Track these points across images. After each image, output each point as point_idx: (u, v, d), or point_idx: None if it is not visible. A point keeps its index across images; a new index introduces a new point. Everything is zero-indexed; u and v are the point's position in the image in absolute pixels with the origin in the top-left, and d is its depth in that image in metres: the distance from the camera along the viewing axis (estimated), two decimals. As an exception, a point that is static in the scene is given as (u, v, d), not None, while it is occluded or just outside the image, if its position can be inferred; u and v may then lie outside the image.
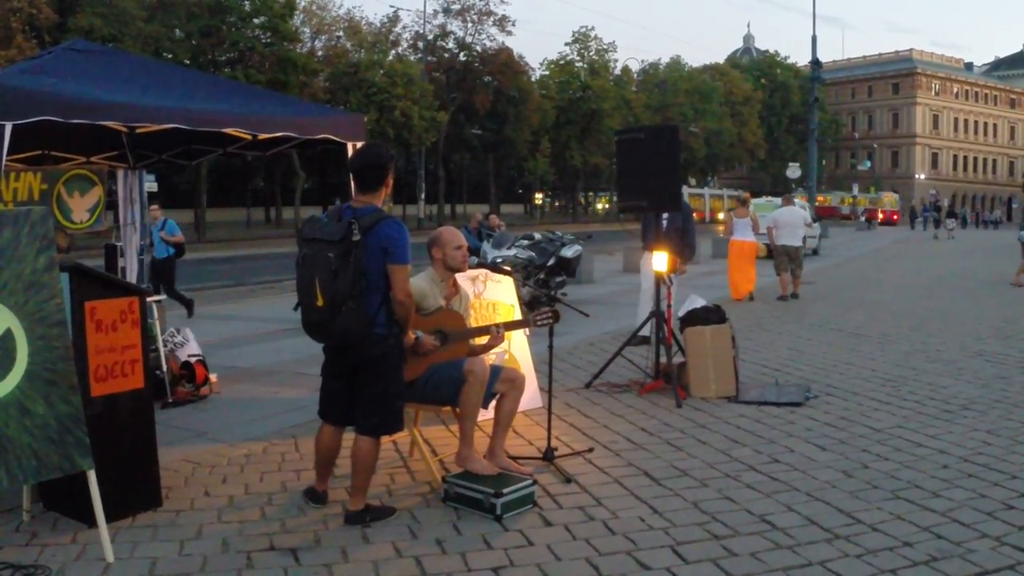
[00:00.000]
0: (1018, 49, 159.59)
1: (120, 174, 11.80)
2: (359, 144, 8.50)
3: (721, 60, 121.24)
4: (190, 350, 10.70)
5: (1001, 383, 11.35)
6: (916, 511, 6.72)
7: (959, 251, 42.59)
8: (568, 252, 19.80)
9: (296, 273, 6.17)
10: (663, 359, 10.93)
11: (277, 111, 9.29)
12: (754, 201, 30.27)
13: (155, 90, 8.53)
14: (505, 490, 6.54)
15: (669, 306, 11.10)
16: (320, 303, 5.95)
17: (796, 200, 25.12)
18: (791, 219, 22.08)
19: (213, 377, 10.76)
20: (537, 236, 20.89)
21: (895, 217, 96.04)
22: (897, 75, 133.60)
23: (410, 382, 6.81)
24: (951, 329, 16.26)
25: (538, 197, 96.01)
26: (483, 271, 9.34)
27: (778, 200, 28.21)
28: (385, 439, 6.92)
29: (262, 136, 9.38)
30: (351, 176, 6.50)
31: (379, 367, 6.28)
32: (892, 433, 8.95)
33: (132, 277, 11.61)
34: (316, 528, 6.35)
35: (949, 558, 5.81)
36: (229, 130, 8.82)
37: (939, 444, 8.54)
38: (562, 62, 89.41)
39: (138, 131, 9.76)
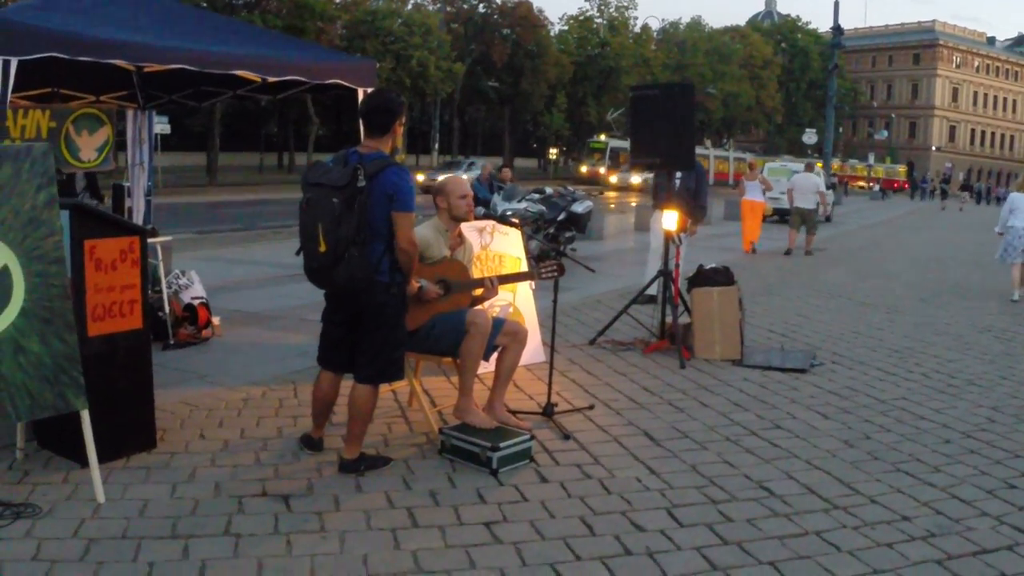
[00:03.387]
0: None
1: (130, 114, 11.69)
2: (370, 90, 8.40)
3: (742, 23, 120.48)
4: (194, 292, 10.63)
5: (1008, 360, 11.27)
6: (916, 485, 6.66)
7: (973, 224, 42.34)
8: (579, 207, 19.70)
9: (299, 218, 6.08)
10: (669, 319, 10.86)
11: (287, 54, 9.19)
12: (769, 166, 32.60)
13: (164, 29, 8.44)
14: (502, 444, 6.49)
15: (677, 266, 10.99)
16: (322, 249, 5.85)
17: (816, 169, 27.34)
18: (806, 184, 24.57)
19: (216, 320, 10.71)
20: (548, 190, 20.82)
21: (906, 186, 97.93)
22: (919, 46, 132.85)
23: (412, 331, 6.75)
24: (961, 303, 16.17)
25: (552, 152, 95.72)
26: (491, 222, 9.25)
27: (793, 165, 31.97)
28: (384, 388, 6.85)
29: (271, 79, 9.26)
30: (360, 121, 6.40)
31: (381, 315, 6.19)
32: (896, 405, 8.88)
33: (139, 218, 11.53)
34: (310, 475, 6.31)
35: (947, 535, 5.75)
36: (238, 72, 8.73)
37: (943, 418, 8.48)
38: (581, 18, 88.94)
39: (145, 70, 9.66)
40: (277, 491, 5.99)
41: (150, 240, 10.28)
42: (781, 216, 30.67)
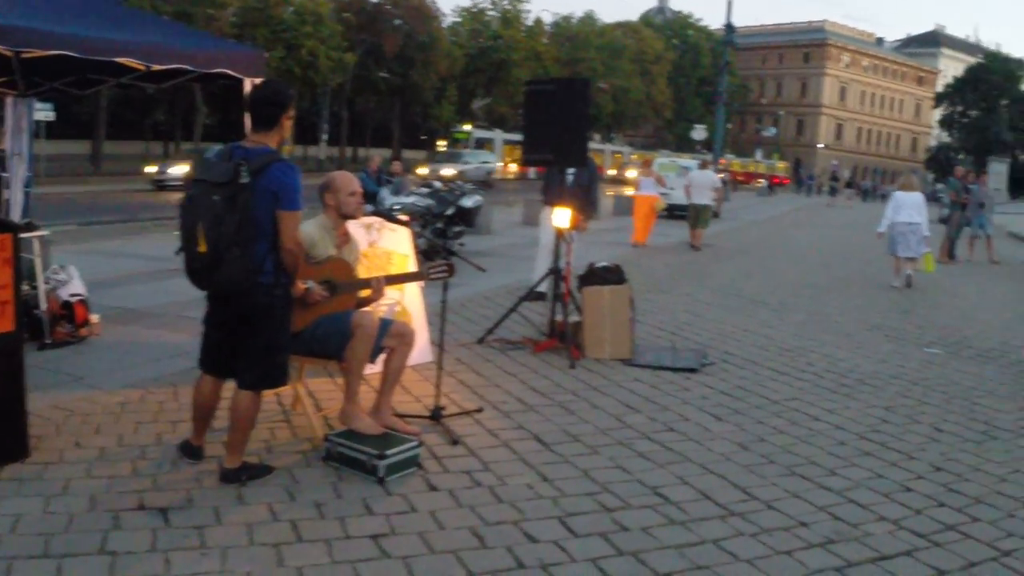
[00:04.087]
0: (930, 28, 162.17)
1: (8, 101, 11.23)
2: (258, 81, 8.11)
3: (634, 18, 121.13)
4: (72, 289, 10.23)
5: (898, 359, 11.35)
6: (813, 489, 6.62)
7: (858, 222, 42.88)
8: (468, 202, 19.59)
9: (179, 216, 5.79)
10: (559, 317, 10.71)
11: (173, 42, 8.85)
12: (659, 161, 33.28)
13: (44, 13, 8.07)
14: (389, 452, 6.28)
15: (568, 263, 10.85)
16: (203, 249, 5.58)
17: (711, 167, 29.02)
18: (703, 181, 25.45)
19: (94, 318, 10.32)
20: (437, 185, 20.66)
21: (786, 181, 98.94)
22: (809, 44, 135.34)
23: (296, 333, 6.50)
24: (849, 301, 16.30)
25: (441, 144, 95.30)
26: (378, 219, 9.00)
27: (681, 161, 34.92)
28: (267, 392, 6.57)
29: (156, 67, 8.91)
30: (246, 113, 6.12)
31: (264, 318, 5.94)
32: (788, 406, 8.86)
33: (16, 211, 11.09)
34: (189, 486, 6.03)
35: (846, 541, 5.71)
36: (122, 59, 8.37)
37: (836, 419, 8.48)
38: (474, 10, 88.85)
39: (24, 55, 9.24)
40: (155, 504, 5.71)
41: (27, 235, 9.91)
42: (671, 212, 30.95)
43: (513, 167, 73.48)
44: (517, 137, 77.25)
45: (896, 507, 6.36)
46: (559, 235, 10.93)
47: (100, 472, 6.23)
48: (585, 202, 12.99)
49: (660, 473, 6.77)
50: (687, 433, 7.79)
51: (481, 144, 72.71)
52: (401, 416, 7.42)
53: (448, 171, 55.07)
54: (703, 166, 27.54)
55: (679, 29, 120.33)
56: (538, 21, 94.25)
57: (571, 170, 12.48)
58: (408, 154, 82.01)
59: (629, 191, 35.42)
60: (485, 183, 49.16)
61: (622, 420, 8.06)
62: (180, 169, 41.00)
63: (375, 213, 9.37)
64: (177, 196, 7.09)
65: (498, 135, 76.93)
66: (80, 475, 6.17)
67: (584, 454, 7.11)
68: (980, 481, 7.05)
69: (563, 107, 10.56)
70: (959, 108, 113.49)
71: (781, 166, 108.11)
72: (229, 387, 6.26)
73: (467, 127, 76.30)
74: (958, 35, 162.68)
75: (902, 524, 6.03)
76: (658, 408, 8.50)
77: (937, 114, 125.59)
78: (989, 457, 7.65)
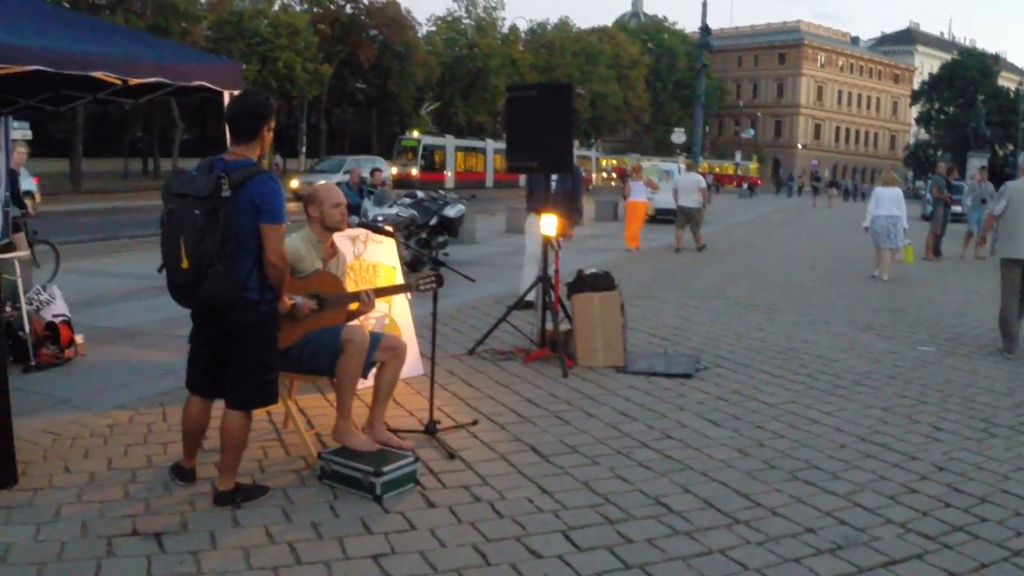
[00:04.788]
0: (904, 26, 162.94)
1: (-18, 120, 11.09)
2: (236, 93, 7.97)
3: (609, 23, 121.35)
4: (55, 309, 10.08)
5: (892, 358, 11.29)
6: (817, 494, 6.51)
7: (841, 221, 42.93)
8: (451, 212, 19.52)
9: (160, 231, 5.64)
10: (549, 326, 10.61)
11: (149, 55, 8.69)
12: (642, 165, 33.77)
13: (16, 26, 7.90)
14: (385, 468, 6.14)
15: (556, 271, 10.74)
16: (185, 265, 5.45)
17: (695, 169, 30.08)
18: (688, 183, 25.82)
19: (79, 338, 10.17)
20: (420, 194, 20.57)
21: (758, 182, 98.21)
22: (784, 46, 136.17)
23: (284, 350, 6.37)
24: (839, 301, 16.25)
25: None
26: (363, 231, 8.85)
27: (663, 165, 36.50)
28: (258, 410, 6.43)
29: (133, 81, 8.77)
30: (226, 125, 5.99)
31: (250, 335, 5.80)
32: (786, 409, 8.77)
33: (-6, 231, 10.96)
34: (183, 509, 5.88)
35: (855, 546, 5.60)
36: (97, 74, 8.21)
37: (835, 421, 8.39)
38: (449, 18, 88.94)
39: (-2, 73, 9.09)
40: (149, 529, 5.56)
41: (7, 255, 9.75)
42: (659, 216, 31.40)
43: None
44: (469, 143, 76.03)
45: (902, 510, 6.26)
46: (546, 242, 10.81)
47: (91, 497, 6.08)
48: (571, 208, 12.89)
49: (662, 482, 6.65)
50: (686, 440, 7.67)
51: (431, 152, 70.48)
52: (395, 431, 7.30)
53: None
54: (688, 168, 28.95)
55: (654, 33, 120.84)
56: (513, 28, 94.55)
57: (555, 176, 12.36)
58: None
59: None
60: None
61: (619, 429, 7.94)
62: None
63: (360, 225, 9.23)
64: None
65: (449, 141, 74.68)
66: (71, 500, 6.01)
67: (583, 465, 6.98)
68: (984, 480, 6.97)
69: (546, 113, 10.45)
70: (936, 105, 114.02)
71: (753, 167, 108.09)
72: (219, 407, 6.11)
73: (415, 134, 72.95)
74: (932, 32, 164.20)
75: (910, 527, 5.93)
76: (655, 415, 8.39)
77: (915, 111, 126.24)
78: (991, 455, 7.58)
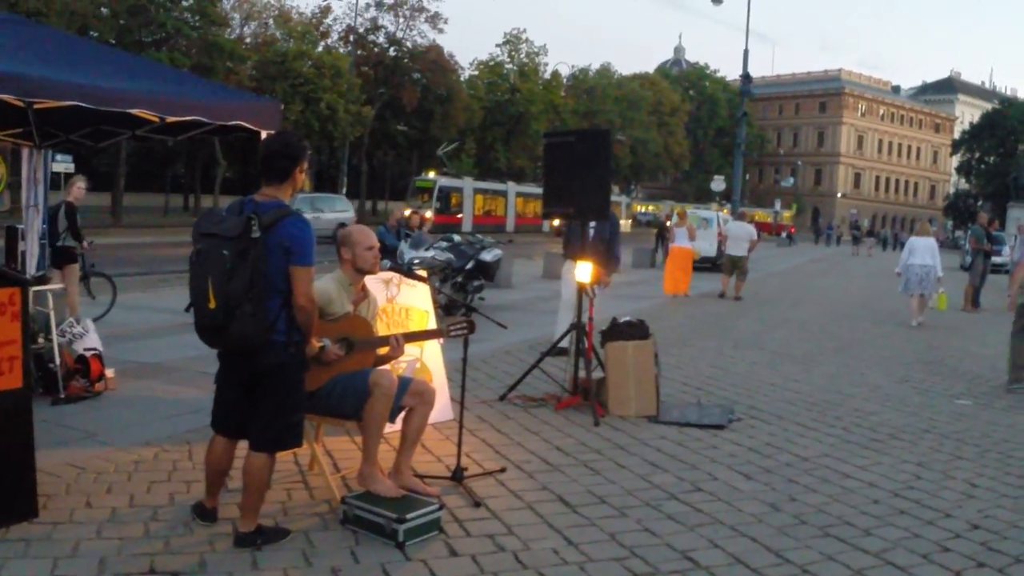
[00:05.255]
0: (945, 75, 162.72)
1: (24, 153, 11.16)
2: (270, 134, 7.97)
3: (651, 70, 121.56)
4: (88, 343, 10.10)
5: (928, 411, 11.13)
6: (848, 551, 6.38)
7: (879, 271, 42.69)
8: (487, 256, 19.49)
9: (189, 271, 5.61)
10: (582, 373, 10.51)
11: (187, 93, 8.74)
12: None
13: (56, 62, 7.96)
14: (409, 515, 6.05)
15: (591, 319, 10.66)
16: (212, 305, 5.41)
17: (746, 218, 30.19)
18: (739, 233, 26.05)
19: (110, 373, 10.16)
20: (456, 238, 20.60)
21: (792, 230, 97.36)
22: (825, 94, 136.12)
23: (311, 393, 6.31)
24: (876, 353, 16.08)
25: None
26: (397, 275, 8.80)
27: (701, 212, 37.34)
28: (283, 452, 6.37)
29: (171, 119, 8.78)
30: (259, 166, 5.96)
31: (277, 377, 5.75)
32: (819, 463, 8.63)
33: (32, 262, 11.02)
34: (202, 550, 5.83)
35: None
36: (135, 111, 8.24)
37: (868, 476, 8.24)
38: (492, 63, 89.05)
39: (36, 107, 9.12)
40: (167, 568, 5.50)
41: (40, 288, 9.78)
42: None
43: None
44: (489, 185, 73.79)
45: (935, 569, 6.13)
46: (581, 289, 10.75)
47: (110, 533, 6.04)
48: (607, 256, 12.82)
49: (689, 536, 6.54)
50: (716, 493, 7.56)
51: (447, 195, 66.95)
52: (421, 477, 7.21)
53: None
54: (740, 217, 29.44)
55: (695, 80, 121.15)
56: (555, 74, 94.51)
57: (592, 223, 12.30)
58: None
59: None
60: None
61: (649, 480, 7.83)
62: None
63: (393, 268, 9.19)
64: None
65: (468, 184, 71.40)
66: (90, 536, 5.97)
67: (611, 516, 6.88)
68: (1019, 538, 6.83)
69: (583, 159, 10.39)
70: (976, 154, 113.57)
71: (787, 215, 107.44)
72: (243, 446, 6.06)
73: (431, 175, 69.46)
74: (973, 81, 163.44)
75: (942, 587, 5.80)
76: (686, 467, 8.27)
77: (955, 161, 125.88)
78: (1027, 514, 7.44)
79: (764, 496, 7.54)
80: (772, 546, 6.41)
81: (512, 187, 76.45)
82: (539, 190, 79.54)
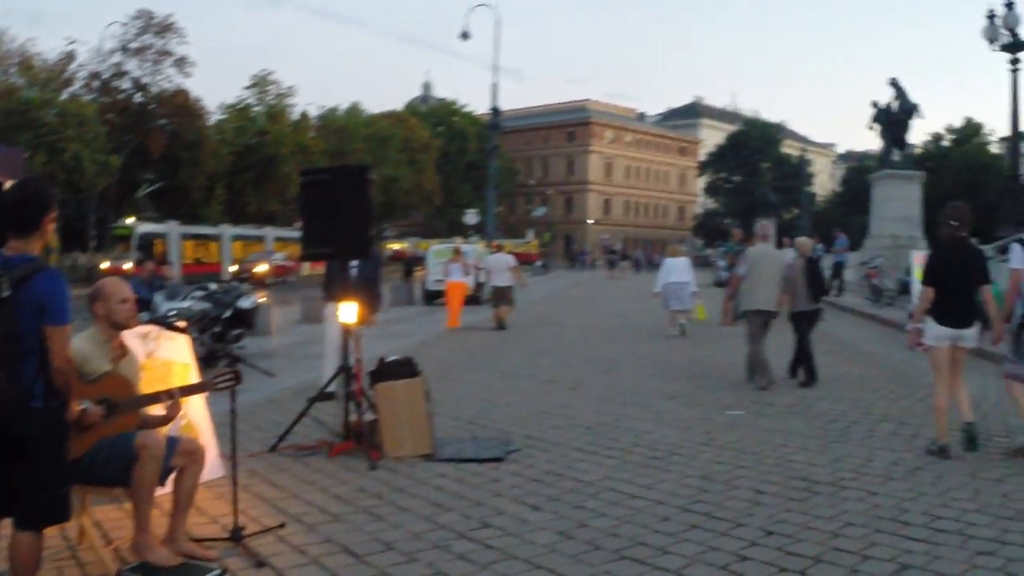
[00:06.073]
0: (689, 101, 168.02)
1: None
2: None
3: (400, 107, 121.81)
4: None
5: (703, 424, 11.40)
6: (647, 571, 6.39)
7: (635, 292, 43.54)
8: (245, 303, 19.20)
9: None
10: (353, 417, 10.27)
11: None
12: (435, 248, 35.79)
13: None
14: (188, 584, 5.72)
15: (359, 360, 10.42)
16: (-40, 373, 4.96)
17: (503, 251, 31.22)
18: (499, 263, 27.51)
19: None
20: (213, 286, 20.10)
21: (535, 257, 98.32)
22: (573, 124, 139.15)
23: (74, 461, 5.91)
24: (642, 371, 16.39)
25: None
26: (154, 328, 8.39)
27: (466, 247, 37.17)
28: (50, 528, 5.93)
29: None
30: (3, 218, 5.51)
31: (37, 448, 5.31)
32: (603, 485, 8.64)
33: None
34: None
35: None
36: None
37: (655, 494, 8.30)
38: (240, 106, 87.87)
39: None
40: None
41: None
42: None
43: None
44: (198, 230, 70.64)
45: (736, 581, 6.14)
46: (346, 331, 10.50)
47: None
48: (371, 295, 12.60)
49: (484, 575, 6.41)
50: (505, 527, 7.44)
51: (148, 241, 61.44)
52: (198, 541, 6.87)
53: None
54: (497, 249, 32.04)
55: (445, 116, 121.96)
56: (304, 115, 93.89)
57: (355, 262, 12.05)
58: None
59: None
60: None
61: (434, 520, 7.65)
62: None
63: (151, 321, 8.79)
64: None
65: (173, 228, 66.93)
66: None
67: (400, 563, 6.67)
68: (814, 539, 6.97)
69: (341, 197, 10.21)
70: (722, 174, 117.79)
71: (532, 244, 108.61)
72: (5, 525, 5.60)
73: (129, 220, 64.65)
74: (717, 105, 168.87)
75: (746, 597, 5.80)
76: (470, 503, 8.14)
77: (702, 182, 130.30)
78: (816, 513, 7.63)
79: (554, 525, 7.47)
80: (568, 574, 6.33)
81: (227, 230, 73.53)
82: (258, 231, 76.92)
